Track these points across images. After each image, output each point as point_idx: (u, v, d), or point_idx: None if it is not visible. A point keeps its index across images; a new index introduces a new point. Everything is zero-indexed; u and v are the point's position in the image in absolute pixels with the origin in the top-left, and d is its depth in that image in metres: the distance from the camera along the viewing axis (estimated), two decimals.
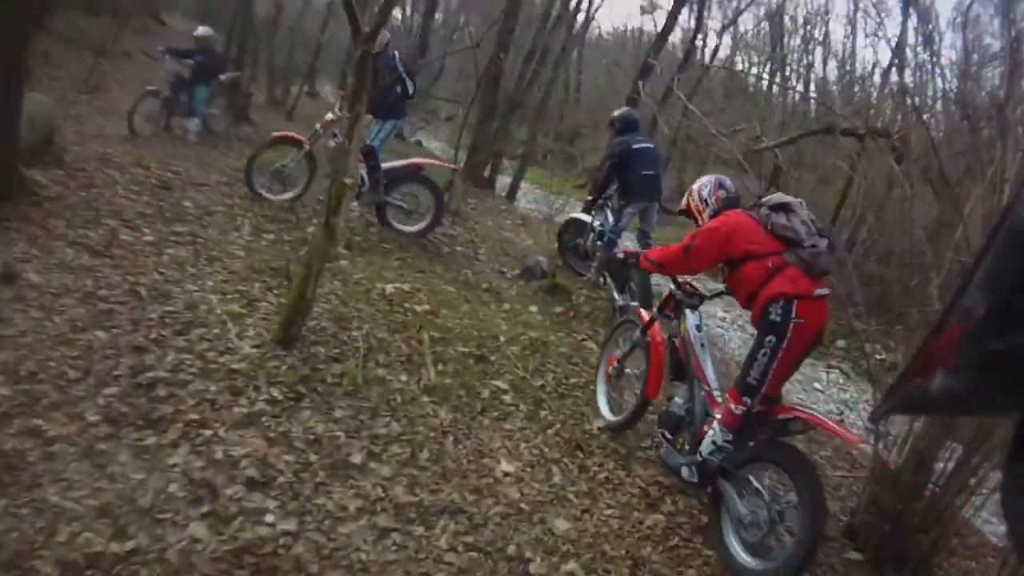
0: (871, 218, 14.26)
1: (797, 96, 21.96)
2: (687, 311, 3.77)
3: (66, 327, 3.61)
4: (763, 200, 3.38)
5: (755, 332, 3.26)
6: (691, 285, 3.86)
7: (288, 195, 6.88)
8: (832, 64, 22.81)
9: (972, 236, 3.38)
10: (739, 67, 21.51)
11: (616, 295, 6.32)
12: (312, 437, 3.27)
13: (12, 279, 3.93)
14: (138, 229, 5.20)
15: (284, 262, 5.10)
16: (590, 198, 6.97)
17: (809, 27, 22.29)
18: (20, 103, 4.95)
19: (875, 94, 19.77)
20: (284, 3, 17.13)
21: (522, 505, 3.26)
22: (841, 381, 9.87)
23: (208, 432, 3.07)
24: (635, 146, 6.51)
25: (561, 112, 23.45)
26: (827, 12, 21.07)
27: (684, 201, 3.77)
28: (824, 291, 3.13)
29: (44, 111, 6.23)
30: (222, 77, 10.01)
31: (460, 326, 4.96)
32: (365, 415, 3.57)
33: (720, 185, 3.67)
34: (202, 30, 9.86)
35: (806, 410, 3.18)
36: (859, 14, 21.49)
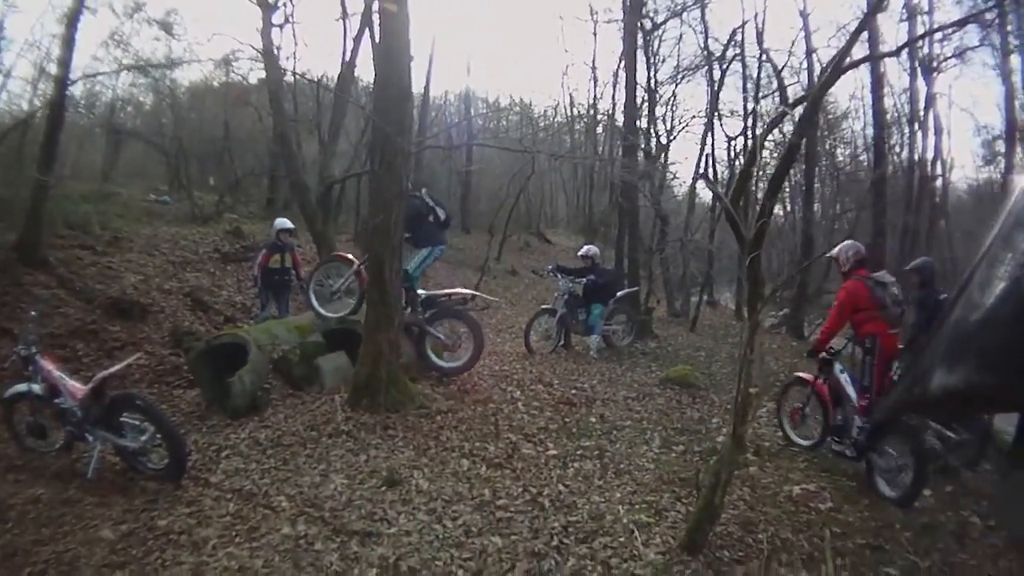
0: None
1: None
2: (834, 363, 5.71)
3: (458, 531, 3.75)
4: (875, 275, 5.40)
5: None
6: (832, 348, 5.73)
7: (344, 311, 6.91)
8: None
9: None
10: None
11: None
12: None
13: (396, 484, 4.14)
14: (541, 443, 5.26)
15: (694, 471, 4.89)
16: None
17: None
18: (396, 316, 5.43)
19: None
20: (668, 215, 17.70)
21: None
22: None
23: None
24: (942, 297, 6.02)
25: None
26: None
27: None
28: (895, 331, 5.34)
29: None
30: (619, 293, 10.08)
31: (861, 519, 4.66)
32: None
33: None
34: (588, 249, 9.98)
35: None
36: None
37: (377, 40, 6.93)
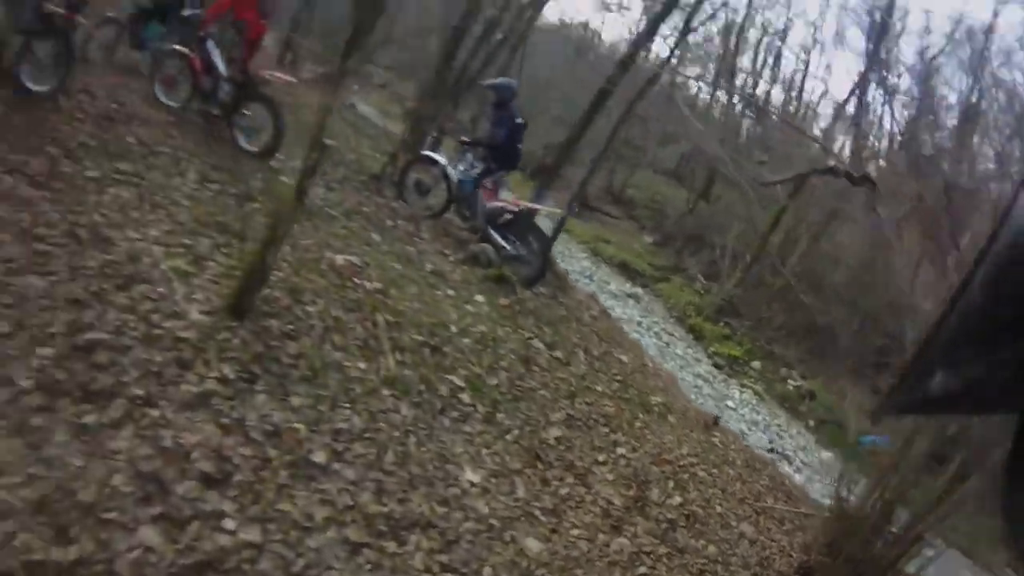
0: (804, 245, 14.92)
1: (744, 114, 22.51)
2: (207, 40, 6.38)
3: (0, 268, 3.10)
4: None
5: None
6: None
7: None
8: (778, 88, 23.49)
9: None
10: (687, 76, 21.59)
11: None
12: (270, 428, 2.97)
13: None
14: (79, 162, 4.61)
15: (233, 218, 4.66)
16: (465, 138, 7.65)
17: (762, 48, 22.72)
18: None
19: (824, 124, 20.74)
20: None
21: (492, 521, 3.13)
22: (754, 402, 10.31)
23: (155, 413, 2.71)
24: (519, 120, 7.05)
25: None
26: (785, 34, 21.22)
27: None
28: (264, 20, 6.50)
29: None
30: (185, 13, 8.93)
31: (411, 310, 4.67)
32: (324, 405, 3.28)
33: None
34: None
35: None
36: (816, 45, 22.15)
37: None
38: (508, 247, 6.73)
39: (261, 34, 6.74)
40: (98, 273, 3.38)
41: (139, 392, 2.77)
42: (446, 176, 7.16)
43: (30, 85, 5.39)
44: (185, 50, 6.49)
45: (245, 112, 6.37)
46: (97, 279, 3.33)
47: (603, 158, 10.59)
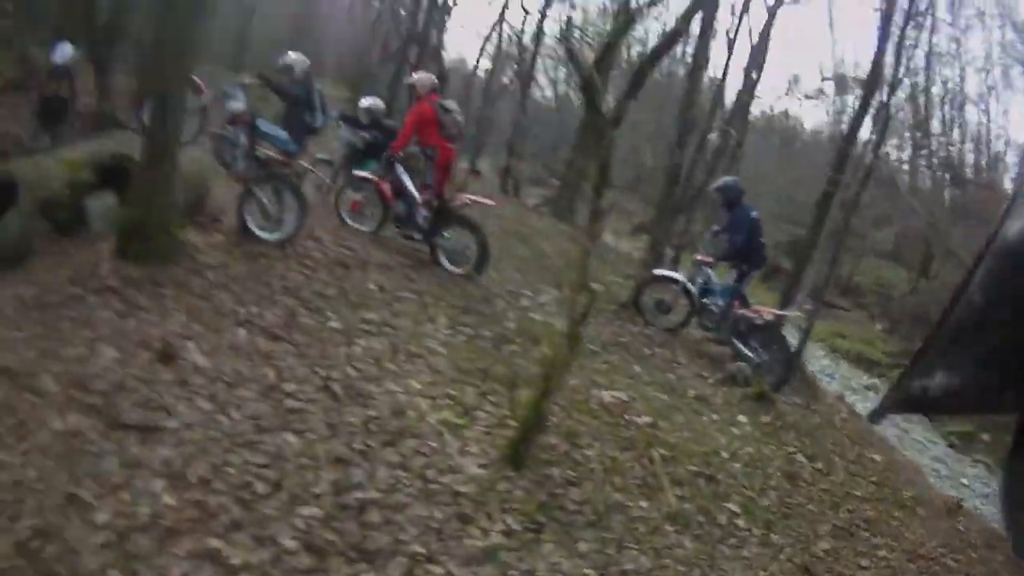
0: None
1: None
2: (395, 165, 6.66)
3: (247, 426, 3.16)
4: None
5: None
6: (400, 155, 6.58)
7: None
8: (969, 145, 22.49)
9: None
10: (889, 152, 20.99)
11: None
12: None
13: (171, 359, 3.47)
14: (320, 312, 4.71)
15: (489, 362, 4.72)
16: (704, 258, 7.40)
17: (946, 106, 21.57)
18: (176, 148, 4.63)
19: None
20: (448, 73, 17.03)
21: None
22: (984, 476, 9.88)
23: (438, 570, 2.66)
24: (753, 215, 7.12)
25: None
26: (962, 87, 20.34)
27: None
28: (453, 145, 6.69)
29: (197, 164, 5.72)
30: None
31: (682, 440, 4.66)
32: (611, 548, 3.23)
33: None
34: (369, 101, 8.56)
35: None
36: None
37: None
38: (752, 355, 6.83)
39: (451, 159, 6.84)
40: (361, 429, 3.42)
41: (420, 549, 2.74)
42: (687, 292, 7.21)
43: (258, 231, 5.53)
44: (372, 176, 6.77)
45: (445, 235, 6.54)
46: (361, 435, 3.36)
47: (838, 254, 10.38)
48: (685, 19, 5.74)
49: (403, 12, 20.52)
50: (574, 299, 3.59)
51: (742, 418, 5.62)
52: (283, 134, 5.97)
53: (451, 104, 6.96)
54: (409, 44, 16.60)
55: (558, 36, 20.23)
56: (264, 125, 5.92)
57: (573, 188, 16.26)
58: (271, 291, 4.70)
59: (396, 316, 5.03)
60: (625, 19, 14.67)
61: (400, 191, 6.59)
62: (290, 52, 6.74)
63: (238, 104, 5.84)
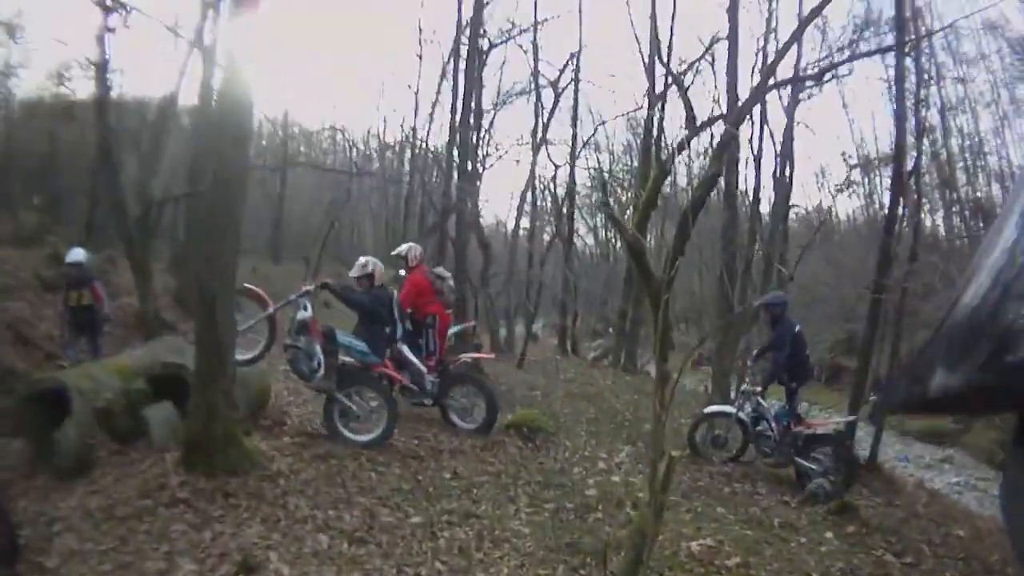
0: None
1: None
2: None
3: None
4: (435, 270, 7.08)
5: None
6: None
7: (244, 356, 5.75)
8: None
9: None
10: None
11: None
12: None
13: (253, 571, 3.48)
14: (399, 508, 4.70)
15: (576, 535, 4.68)
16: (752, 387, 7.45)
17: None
18: (230, 359, 4.67)
19: None
20: (488, 239, 17.62)
21: None
22: None
23: None
24: (797, 329, 7.23)
25: None
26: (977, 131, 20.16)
27: None
28: (449, 311, 7.34)
29: (255, 368, 5.79)
30: (452, 330, 8.71)
31: (773, 573, 4.62)
32: None
33: None
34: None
35: None
36: None
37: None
38: (816, 467, 6.90)
39: (448, 324, 7.31)
40: None
41: None
42: (740, 422, 7.29)
43: (349, 435, 5.76)
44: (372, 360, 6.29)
45: (453, 396, 6.99)
46: None
47: (897, 343, 10.48)
48: (717, 157, 6.12)
49: (436, 180, 21.10)
50: (656, 466, 3.43)
51: (828, 534, 5.60)
52: (362, 345, 5.99)
53: (443, 271, 7.55)
54: (446, 216, 17.09)
55: (590, 185, 21.39)
56: (342, 337, 5.93)
57: (631, 339, 16.68)
58: (347, 492, 4.70)
59: (476, 503, 5.01)
60: (657, 174, 15.45)
61: (401, 364, 6.68)
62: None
63: (306, 313, 5.86)
